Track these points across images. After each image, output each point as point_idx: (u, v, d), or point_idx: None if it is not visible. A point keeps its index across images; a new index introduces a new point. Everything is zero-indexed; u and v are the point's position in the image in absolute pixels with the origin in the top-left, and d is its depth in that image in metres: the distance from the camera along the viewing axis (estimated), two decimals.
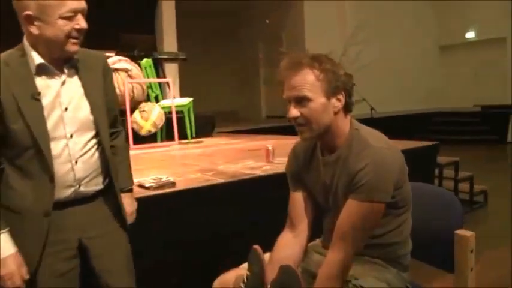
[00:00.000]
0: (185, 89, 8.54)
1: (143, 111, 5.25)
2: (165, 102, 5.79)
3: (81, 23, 1.54)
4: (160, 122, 5.36)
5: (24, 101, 1.52)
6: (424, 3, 12.98)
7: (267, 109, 12.81)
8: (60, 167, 1.59)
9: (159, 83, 6.35)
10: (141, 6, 8.10)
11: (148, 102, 5.51)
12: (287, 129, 8.45)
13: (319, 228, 1.80)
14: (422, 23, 13.01)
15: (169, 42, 8.56)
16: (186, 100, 5.83)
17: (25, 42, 1.58)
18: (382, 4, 11.52)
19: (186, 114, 5.70)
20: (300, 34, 10.50)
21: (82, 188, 1.66)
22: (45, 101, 1.56)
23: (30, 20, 1.49)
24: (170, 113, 5.52)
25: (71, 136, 1.61)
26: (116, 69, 5.25)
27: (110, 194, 1.77)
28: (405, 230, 1.65)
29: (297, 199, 1.75)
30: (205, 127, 6.50)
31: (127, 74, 5.30)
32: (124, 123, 5.21)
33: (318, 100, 1.52)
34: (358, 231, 1.50)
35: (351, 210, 1.50)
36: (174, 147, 5.35)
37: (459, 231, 1.66)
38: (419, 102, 12.33)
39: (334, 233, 1.54)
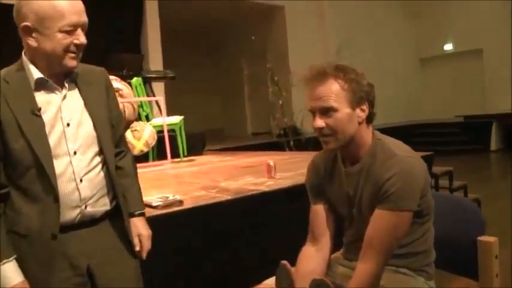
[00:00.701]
0: (171, 107, 8.50)
1: (135, 130, 5.20)
2: (156, 121, 5.75)
3: (80, 38, 1.49)
4: (153, 141, 5.30)
5: (24, 118, 1.46)
6: (403, 17, 13.28)
7: (252, 126, 12.84)
8: (64, 186, 1.51)
9: (149, 102, 6.32)
10: (127, 25, 8.09)
11: (140, 122, 5.47)
12: (274, 146, 8.49)
13: (339, 240, 1.79)
14: (403, 36, 13.29)
15: (155, 60, 8.55)
16: (178, 118, 5.81)
17: (24, 57, 1.53)
18: (362, 19, 11.75)
19: (178, 132, 5.67)
20: (283, 51, 10.61)
21: (89, 209, 1.57)
22: (46, 117, 1.50)
23: (28, 31, 1.45)
24: (161, 131, 5.48)
25: (75, 153, 1.54)
26: None
27: (117, 217, 1.68)
28: (429, 238, 1.66)
29: (319, 212, 1.74)
30: (196, 145, 6.47)
31: (118, 93, 5.25)
32: None
33: (344, 110, 1.53)
34: (388, 241, 1.50)
35: (380, 220, 1.50)
36: (167, 166, 5.31)
37: (482, 238, 1.68)
38: (401, 114, 12.52)
39: (363, 244, 1.53)
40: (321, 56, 10.12)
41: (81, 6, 1.49)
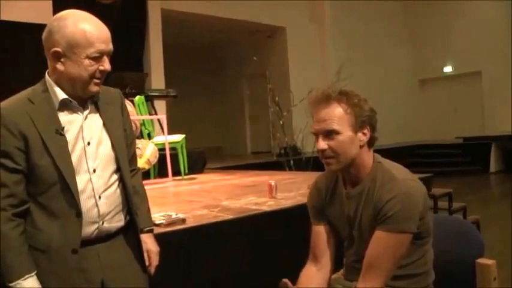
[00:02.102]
0: (172, 125, 8.56)
1: (137, 148, 5.23)
2: (158, 139, 5.80)
3: (105, 64, 1.57)
4: (154, 159, 5.34)
5: (49, 137, 1.52)
6: (403, 39, 13.45)
7: (252, 145, 12.90)
8: (85, 203, 1.57)
9: (151, 120, 6.38)
10: (130, 43, 8.19)
11: (142, 139, 5.52)
12: (274, 165, 8.51)
13: (339, 261, 1.82)
14: (402, 58, 13.45)
15: (157, 79, 8.63)
16: (179, 137, 5.86)
17: (48, 78, 1.60)
18: (362, 41, 11.90)
19: (179, 150, 5.71)
20: (284, 71, 10.72)
21: (105, 224, 1.64)
22: (69, 136, 1.57)
23: (57, 56, 1.52)
24: (162, 149, 5.53)
25: (94, 171, 1.60)
26: None
27: (130, 232, 1.75)
28: (428, 260, 1.69)
29: (320, 232, 1.78)
30: (197, 163, 6.51)
31: None
32: None
33: (346, 133, 1.58)
34: (388, 261, 1.53)
35: (379, 241, 1.54)
36: (169, 183, 5.35)
37: (480, 260, 1.71)
38: (401, 135, 12.58)
39: (363, 264, 1.57)
40: (320, 76, 10.25)
41: (108, 34, 1.58)
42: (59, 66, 1.53)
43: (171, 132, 6.14)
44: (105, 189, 1.63)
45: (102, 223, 1.63)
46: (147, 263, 1.78)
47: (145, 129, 5.86)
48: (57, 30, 1.52)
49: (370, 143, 1.65)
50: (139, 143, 5.31)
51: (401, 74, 13.37)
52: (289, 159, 8.19)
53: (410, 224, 1.52)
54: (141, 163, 5.19)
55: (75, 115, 1.61)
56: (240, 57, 12.15)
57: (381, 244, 1.53)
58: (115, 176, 1.68)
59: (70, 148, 1.56)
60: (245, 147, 12.99)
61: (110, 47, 1.58)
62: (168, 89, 7.42)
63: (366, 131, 1.62)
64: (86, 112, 1.63)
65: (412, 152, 12.11)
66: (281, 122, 8.58)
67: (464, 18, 12.37)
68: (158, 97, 7.10)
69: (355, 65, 10.58)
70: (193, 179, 5.70)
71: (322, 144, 1.60)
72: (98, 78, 1.57)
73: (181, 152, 5.77)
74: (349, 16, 11.68)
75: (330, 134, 1.58)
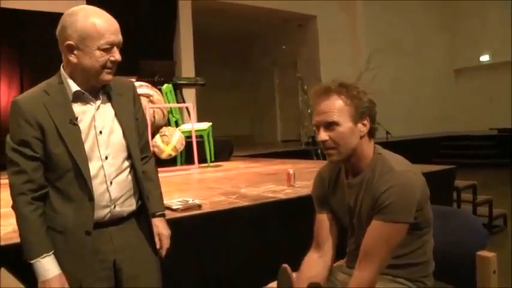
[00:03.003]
0: (200, 114, 8.70)
1: (164, 135, 5.38)
2: (185, 127, 5.92)
3: (116, 55, 1.65)
4: (181, 146, 5.47)
5: (63, 126, 1.63)
6: (437, 27, 13.13)
7: (282, 133, 12.92)
8: (97, 187, 1.68)
9: (179, 108, 6.50)
10: (161, 32, 8.32)
11: (169, 127, 5.65)
12: (302, 153, 8.55)
13: (343, 249, 1.87)
14: (437, 46, 13.14)
15: (187, 67, 8.75)
16: (206, 125, 5.96)
17: (62, 71, 1.70)
18: (395, 29, 11.69)
19: (205, 138, 5.82)
20: (314, 60, 10.68)
21: (117, 208, 1.74)
22: (82, 125, 1.67)
23: (71, 49, 1.62)
24: (189, 137, 5.65)
25: (106, 158, 1.70)
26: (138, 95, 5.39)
27: (142, 216, 1.85)
28: (428, 250, 1.72)
29: (323, 220, 1.83)
30: (224, 151, 6.62)
31: (148, 99, 5.45)
32: None
33: (346, 124, 1.62)
34: (383, 250, 1.57)
35: (375, 230, 1.58)
36: (194, 170, 5.47)
37: (480, 252, 1.73)
38: (434, 126, 12.37)
39: (360, 253, 1.62)
40: (351, 65, 10.15)
41: (117, 26, 1.67)
42: (73, 59, 1.63)
43: (202, 120, 6.26)
44: (117, 175, 1.73)
45: (114, 207, 1.73)
46: (158, 246, 1.87)
47: (173, 117, 5.98)
48: (69, 25, 1.61)
49: (371, 133, 1.69)
50: (167, 130, 5.45)
51: (435, 64, 13.09)
52: (316, 148, 8.20)
53: (406, 215, 1.55)
54: (168, 150, 5.33)
55: (88, 106, 1.71)
56: (271, 46, 12.15)
57: (376, 233, 1.57)
58: (126, 163, 1.78)
59: (83, 137, 1.67)
60: (275, 135, 13.03)
61: (120, 38, 1.66)
62: (197, 78, 7.53)
63: (365, 121, 1.66)
64: (98, 103, 1.73)
65: (444, 143, 11.89)
66: (309, 111, 8.57)
67: (502, 4, 11.96)
68: (186, 85, 7.21)
69: (387, 54, 10.45)
70: (219, 166, 5.80)
71: (323, 135, 1.64)
72: (109, 68, 1.66)
73: (208, 140, 5.87)
74: (381, 4, 11.48)
75: (330, 125, 1.63)
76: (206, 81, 7.35)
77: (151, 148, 5.13)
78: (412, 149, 9.08)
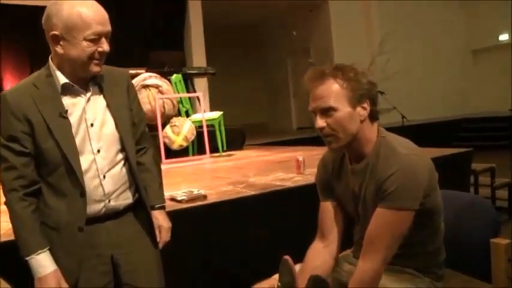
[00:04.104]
0: (215, 103, 8.64)
1: (174, 125, 5.34)
2: (195, 117, 5.87)
3: (104, 46, 1.58)
4: (192, 136, 5.43)
5: (52, 120, 1.58)
6: (453, 6, 12.77)
7: (297, 121, 12.79)
8: (90, 182, 1.63)
9: (189, 98, 6.45)
10: (170, 22, 8.25)
11: (179, 117, 5.60)
12: (318, 140, 8.41)
13: (349, 238, 1.79)
14: (452, 26, 12.77)
15: (198, 56, 8.68)
16: (217, 114, 5.90)
17: (51, 62, 1.64)
18: (409, 10, 11.40)
19: (216, 127, 5.76)
20: (327, 45, 10.49)
21: (112, 202, 1.69)
22: (72, 118, 1.62)
23: (56, 39, 1.56)
24: (201, 127, 5.59)
25: (98, 151, 1.65)
26: (147, 86, 5.36)
27: (140, 209, 1.80)
28: (437, 238, 1.63)
29: (327, 209, 1.75)
30: (236, 140, 6.54)
31: (158, 90, 5.40)
32: (156, 138, 5.32)
33: (344, 109, 1.52)
34: (388, 240, 1.49)
35: (379, 218, 1.49)
36: (206, 160, 5.42)
37: (494, 240, 1.63)
38: (452, 109, 12.09)
39: (364, 242, 1.54)
40: (365, 49, 9.94)
41: (105, 16, 1.59)
42: (59, 50, 1.57)
43: (216, 109, 6.19)
44: (110, 169, 1.68)
45: (109, 201, 1.69)
46: (158, 239, 1.82)
47: (183, 107, 5.92)
48: (54, 14, 1.55)
49: (372, 117, 1.59)
50: (177, 120, 5.41)
51: (452, 45, 12.74)
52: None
53: (411, 201, 1.46)
54: (179, 140, 5.30)
55: (78, 98, 1.65)
56: (283, 33, 11.99)
57: (380, 221, 1.48)
58: (120, 156, 1.72)
59: (74, 130, 1.62)
60: (290, 123, 12.90)
61: (108, 28, 1.59)
62: (207, 67, 7.46)
63: (365, 105, 1.55)
64: (89, 94, 1.67)
65: (462, 126, 11.63)
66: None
67: None
68: (197, 75, 7.15)
69: (402, 36, 10.21)
70: (231, 155, 5.74)
71: (321, 122, 1.55)
72: (97, 59, 1.59)
73: (219, 129, 5.80)
74: None
75: (327, 111, 1.53)
76: (218, 70, 7.28)
77: (163, 139, 5.19)
78: (430, 132, 8.93)
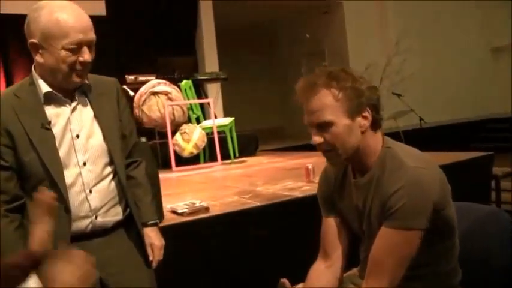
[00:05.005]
0: (229, 107, 8.54)
1: (184, 132, 5.24)
2: (206, 123, 5.77)
3: (84, 55, 1.49)
4: (202, 143, 5.33)
5: (34, 132, 1.50)
6: (471, 4, 12.46)
7: None
8: (75, 197, 1.55)
9: (201, 104, 6.36)
10: (181, 27, 8.18)
11: (189, 124, 5.51)
12: None
13: (355, 256, 1.64)
14: (471, 25, 12.46)
15: (211, 62, 8.58)
16: (227, 120, 5.79)
17: (33, 71, 1.56)
18: (425, 9, 11.14)
19: (227, 134, 5.64)
20: (342, 47, 10.31)
21: (99, 219, 1.60)
22: (56, 129, 1.54)
23: (35, 48, 1.49)
24: (212, 133, 5.49)
25: (84, 164, 1.57)
26: (156, 93, 5.28)
27: (131, 226, 1.70)
28: (452, 257, 1.48)
29: (330, 225, 1.61)
30: (249, 146, 6.42)
31: (167, 96, 5.31)
32: (166, 145, 5.24)
33: (341, 122, 1.38)
34: (394, 262, 1.34)
35: (384, 238, 1.35)
36: (217, 168, 5.30)
37: None
38: (472, 110, 11.77)
39: (368, 263, 1.39)
40: (380, 50, 9.73)
41: (87, 23, 1.50)
42: (38, 58, 1.50)
43: (230, 114, 6.09)
44: (97, 183, 1.59)
45: (96, 217, 1.59)
46: (150, 258, 1.72)
47: (193, 113, 5.83)
48: (32, 21, 1.48)
49: (375, 125, 1.44)
50: (187, 127, 5.32)
51: (470, 44, 12.43)
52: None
53: (420, 220, 1.31)
54: (189, 148, 5.20)
55: (62, 108, 1.57)
56: (297, 35, 11.84)
57: (385, 242, 1.34)
58: (108, 169, 1.63)
59: (57, 142, 1.53)
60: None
61: (90, 36, 1.50)
62: (218, 72, 7.36)
63: (366, 114, 1.40)
64: (74, 104, 1.59)
65: (484, 127, 11.31)
66: None
67: None
68: (207, 80, 7.06)
69: (418, 37, 9.97)
70: (243, 162, 5.61)
71: (317, 138, 1.41)
72: (79, 70, 1.50)
73: (230, 135, 5.69)
74: None
75: (323, 126, 1.39)
76: (232, 74, 7.19)
77: (173, 147, 5.09)
78: (449, 135, 8.68)
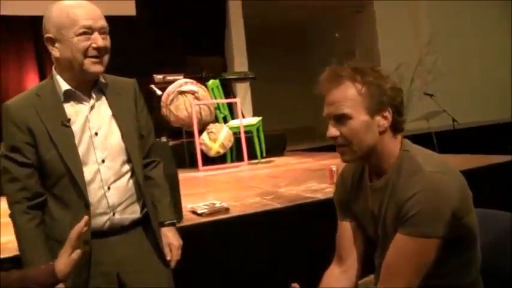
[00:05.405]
0: (259, 107, 8.51)
1: (211, 132, 5.26)
2: (233, 123, 5.77)
3: (97, 41, 1.54)
4: (229, 142, 5.33)
5: (54, 129, 1.54)
6: (504, 3, 12.04)
7: None
8: (94, 193, 1.58)
9: (229, 104, 6.36)
10: (210, 27, 8.21)
11: (216, 123, 5.52)
12: None
13: (372, 263, 1.60)
14: (505, 25, 12.05)
15: (240, 61, 8.56)
16: (255, 119, 5.77)
17: (53, 70, 1.61)
18: (458, 7, 10.84)
19: (254, 133, 5.62)
20: (373, 46, 10.14)
21: (117, 216, 1.63)
22: (75, 127, 1.58)
23: (51, 42, 1.55)
24: (239, 133, 5.48)
25: (103, 161, 1.60)
26: (183, 92, 5.32)
27: (149, 226, 1.71)
28: (472, 269, 1.40)
29: (346, 229, 1.57)
30: (277, 146, 6.38)
31: (194, 96, 5.34)
32: (193, 144, 5.26)
33: (360, 118, 1.34)
34: (409, 269, 1.28)
35: (398, 246, 1.30)
36: (243, 168, 5.29)
37: None
38: (507, 111, 11.38)
39: (382, 270, 1.35)
40: (413, 49, 9.52)
41: (95, 12, 1.56)
42: (55, 53, 1.55)
43: (260, 114, 6.08)
44: (115, 180, 1.62)
45: (113, 214, 1.62)
46: (168, 257, 1.73)
47: (221, 113, 5.83)
48: (47, 19, 1.56)
49: (395, 128, 1.39)
50: (214, 127, 5.33)
51: (505, 42, 12.00)
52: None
53: (436, 228, 1.25)
54: (216, 147, 5.21)
55: (80, 105, 1.61)
56: (327, 35, 11.73)
57: (400, 250, 1.29)
58: (126, 167, 1.66)
59: (77, 139, 1.57)
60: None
61: (100, 23, 1.55)
62: (246, 71, 7.35)
63: (386, 113, 1.36)
64: (92, 102, 1.62)
65: None
66: None
67: None
68: (235, 80, 7.06)
69: (451, 36, 9.71)
70: (270, 162, 5.58)
71: (333, 130, 1.38)
72: (94, 57, 1.54)
73: (257, 135, 5.67)
74: None
75: (341, 119, 1.36)
76: (262, 74, 7.16)
77: (199, 146, 5.11)
78: (483, 137, 8.42)
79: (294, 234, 2.46)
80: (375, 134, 1.36)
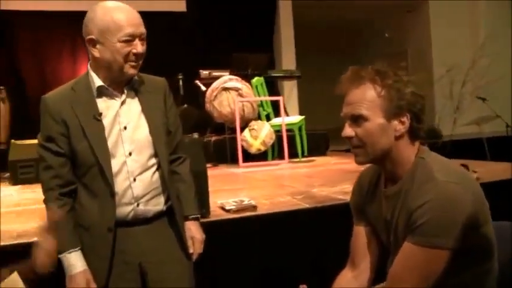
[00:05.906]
0: (307, 106, 8.48)
1: (253, 129, 5.30)
2: (276, 121, 5.78)
3: (138, 47, 1.62)
4: (270, 140, 5.36)
5: (87, 122, 1.64)
6: None
7: None
8: (120, 184, 1.66)
9: (274, 102, 6.36)
10: (259, 24, 8.25)
11: (259, 121, 5.55)
12: None
13: (385, 270, 1.58)
14: None
15: (288, 60, 8.57)
16: (297, 118, 5.77)
17: (89, 67, 1.70)
18: None
19: (296, 132, 5.62)
20: (425, 48, 9.85)
21: (141, 207, 1.70)
22: (106, 121, 1.66)
23: (93, 43, 1.62)
24: (281, 131, 5.49)
25: (130, 154, 1.68)
26: (227, 88, 5.39)
27: (173, 219, 1.78)
28: (488, 282, 1.37)
29: (360, 234, 1.56)
30: (319, 145, 6.34)
31: (237, 92, 5.39)
32: (235, 140, 5.32)
33: (376, 120, 1.34)
34: (414, 280, 1.26)
35: (405, 254, 1.28)
36: (283, 166, 5.31)
37: None
38: None
39: (387, 277, 1.34)
40: (467, 51, 9.17)
41: (137, 18, 1.64)
42: (95, 53, 1.63)
43: (305, 113, 6.06)
44: (141, 172, 1.70)
45: (138, 205, 1.70)
46: (190, 250, 1.79)
47: (264, 110, 5.86)
48: (90, 21, 1.63)
49: (413, 134, 1.37)
50: (256, 124, 5.37)
51: None
52: (422, 143, 7.57)
53: (445, 238, 1.22)
54: (257, 144, 5.25)
55: (112, 101, 1.70)
56: (378, 34, 11.49)
57: (406, 258, 1.27)
58: (153, 160, 1.73)
59: (107, 132, 1.66)
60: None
61: (141, 30, 1.63)
62: (292, 70, 7.34)
63: (404, 119, 1.34)
64: (123, 97, 1.71)
65: None
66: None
67: None
68: (281, 78, 7.06)
69: (506, 39, 9.26)
70: (310, 161, 5.56)
71: (349, 131, 1.38)
72: (132, 61, 1.63)
73: (299, 134, 5.66)
74: None
75: (357, 119, 1.35)
76: (311, 73, 7.13)
77: (241, 142, 5.17)
78: None
79: (319, 235, 2.47)
80: (390, 138, 1.35)
